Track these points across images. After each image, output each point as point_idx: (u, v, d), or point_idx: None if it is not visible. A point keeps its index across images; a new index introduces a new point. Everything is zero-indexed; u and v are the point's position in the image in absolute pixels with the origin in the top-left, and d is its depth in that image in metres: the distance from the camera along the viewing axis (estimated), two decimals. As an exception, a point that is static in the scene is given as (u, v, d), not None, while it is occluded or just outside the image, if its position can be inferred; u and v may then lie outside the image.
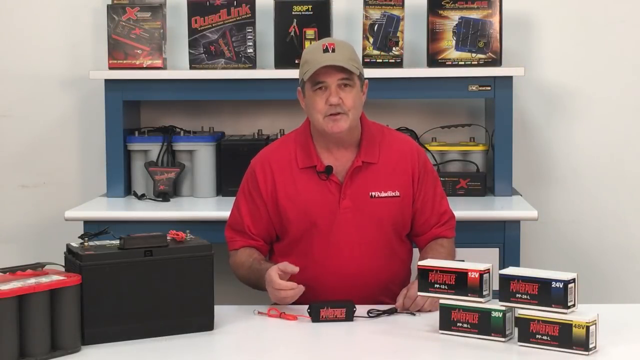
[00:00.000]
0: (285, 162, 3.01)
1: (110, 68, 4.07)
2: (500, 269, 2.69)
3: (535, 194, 4.21)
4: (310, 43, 3.98)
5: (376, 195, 2.98)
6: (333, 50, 2.91)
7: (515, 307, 2.46)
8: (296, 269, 2.80)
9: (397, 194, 3.00)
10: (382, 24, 4.00)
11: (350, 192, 2.97)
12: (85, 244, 2.56)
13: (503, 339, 2.48)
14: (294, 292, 2.77)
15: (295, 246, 3.00)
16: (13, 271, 2.44)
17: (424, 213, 3.05)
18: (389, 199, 2.99)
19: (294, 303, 2.88)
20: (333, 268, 2.95)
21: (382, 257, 2.99)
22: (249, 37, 4.04)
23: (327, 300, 2.75)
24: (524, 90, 4.24)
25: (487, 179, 4.05)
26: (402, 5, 4.01)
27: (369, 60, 4.00)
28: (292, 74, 3.95)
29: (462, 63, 4.00)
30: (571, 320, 2.37)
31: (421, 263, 2.62)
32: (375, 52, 4.01)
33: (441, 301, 2.57)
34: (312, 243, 2.98)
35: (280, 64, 4.03)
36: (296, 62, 3.99)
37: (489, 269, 2.54)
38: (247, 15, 4.05)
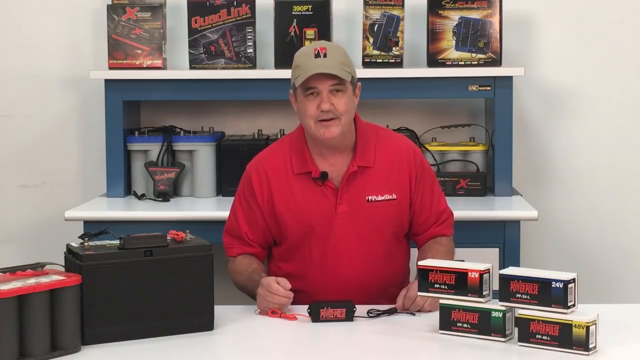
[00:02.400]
0: (280, 167, 2.99)
1: (110, 68, 4.07)
2: (500, 269, 2.69)
3: (535, 194, 4.21)
4: (310, 43, 3.99)
5: (373, 199, 2.97)
6: (325, 55, 2.88)
7: (515, 307, 2.46)
8: (289, 287, 2.78)
9: (394, 196, 2.98)
10: (382, 24, 4.00)
11: (347, 197, 2.95)
12: (85, 244, 2.56)
13: (503, 339, 2.48)
14: (286, 300, 2.75)
15: (294, 251, 3.00)
16: (13, 271, 2.44)
17: (422, 213, 3.04)
18: (385, 202, 2.97)
19: (294, 303, 2.88)
20: (332, 273, 2.95)
21: (380, 260, 2.98)
22: (249, 37, 4.04)
23: (327, 300, 2.74)
24: (524, 90, 4.24)
25: (487, 179, 4.05)
26: (402, 5, 4.01)
27: (369, 60, 4.00)
28: (292, 74, 3.97)
29: (462, 63, 4.00)
30: (571, 320, 2.37)
31: (421, 263, 2.62)
32: (375, 52, 4.01)
33: (441, 301, 2.56)
34: (310, 248, 2.97)
35: (280, 64, 4.03)
36: (296, 62, 4.01)
37: (489, 269, 2.54)
38: (247, 15, 4.05)
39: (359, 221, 2.95)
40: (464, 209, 3.64)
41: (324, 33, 4.00)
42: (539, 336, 2.40)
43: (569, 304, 2.38)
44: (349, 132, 2.97)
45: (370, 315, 2.72)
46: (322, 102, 2.87)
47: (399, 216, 3.00)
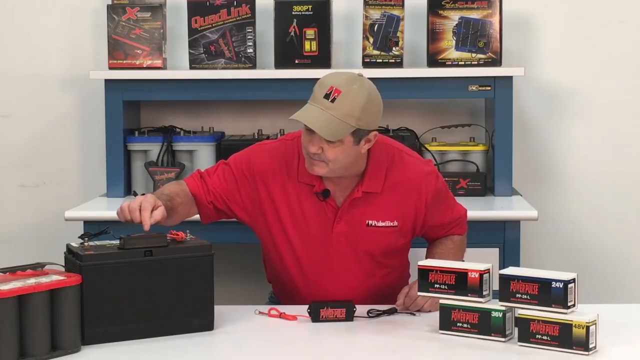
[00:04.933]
0: (286, 170, 2.89)
1: (110, 68, 4.07)
2: (500, 269, 2.69)
3: (535, 194, 4.22)
4: (310, 43, 4.00)
5: (373, 224, 2.88)
6: (333, 100, 2.68)
7: (515, 307, 2.46)
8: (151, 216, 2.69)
9: (395, 224, 2.89)
10: (382, 24, 4.01)
11: (347, 218, 2.87)
12: (85, 244, 2.56)
13: (503, 339, 2.48)
14: (136, 215, 2.67)
15: (288, 260, 2.92)
16: (13, 271, 2.44)
17: (436, 227, 2.98)
18: (385, 228, 2.89)
19: (293, 303, 2.87)
20: (325, 288, 2.89)
21: (375, 279, 2.93)
22: (249, 37, 4.04)
23: (327, 300, 2.74)
24: (524, 90, 4.25)
25: (487, 179, 4.05)
26: (402, 5, 4.02)
27: (369, 60, 4.00)
28: (292, 74, 3.98)
29: (462, 63, 4.00)
30: (571, 320, 2.37)
31: (421, 263, 2.62)
32: (375, 52, 4.02)
33: (441, 301, 2.56)
34: (300, 260, 2.90)
35: (280, 64, 4.03)
36: (296, 62, 4.01)
37: (489, 269, 2.54)
38: (247, 15, 4.05)
39: (354, 243, 2.88)
40: (464, 209, 3.64)
41: (324, 33, 4.00)
42: (539, 336, 2.40)
43: (569, 304, 2.38)
44: (350, 167, 2.82)
45: (370, 315, 2.72)
46: (311, 144, 2.74)
47: (397, 241, 2.93)
